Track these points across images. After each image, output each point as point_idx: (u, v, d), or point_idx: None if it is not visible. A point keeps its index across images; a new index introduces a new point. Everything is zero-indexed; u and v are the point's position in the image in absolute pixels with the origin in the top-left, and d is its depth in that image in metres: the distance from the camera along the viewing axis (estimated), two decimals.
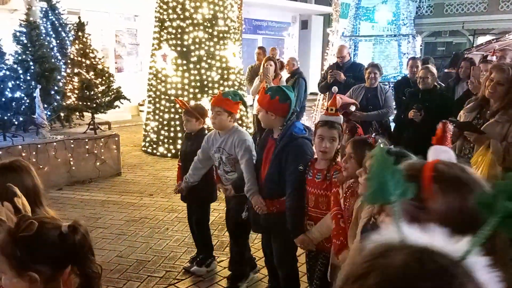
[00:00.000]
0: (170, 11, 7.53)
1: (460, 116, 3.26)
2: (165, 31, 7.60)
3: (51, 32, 7.75)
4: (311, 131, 2.87)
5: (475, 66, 5.26)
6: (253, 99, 6.65)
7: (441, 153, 1.01)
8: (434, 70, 4.71)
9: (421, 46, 10.24)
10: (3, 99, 5.86)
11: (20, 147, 5.62)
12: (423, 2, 18.52)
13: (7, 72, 6.02)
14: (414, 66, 5.67)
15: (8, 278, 1.15)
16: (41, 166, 5.71)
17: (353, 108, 5.03)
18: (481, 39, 15.40)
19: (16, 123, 6.01)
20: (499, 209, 0.58)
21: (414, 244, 0.59)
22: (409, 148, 2.34)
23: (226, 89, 7.66)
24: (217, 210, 4.81)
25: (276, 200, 2.83)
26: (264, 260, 3.26)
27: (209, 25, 7.56)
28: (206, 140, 3.37)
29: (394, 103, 5.21)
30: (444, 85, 5.51)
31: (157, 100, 7.70)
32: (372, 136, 2.37)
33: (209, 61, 7.58)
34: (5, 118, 5.84)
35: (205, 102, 6.85)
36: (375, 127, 4.93)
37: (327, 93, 6.76)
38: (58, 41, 7.85)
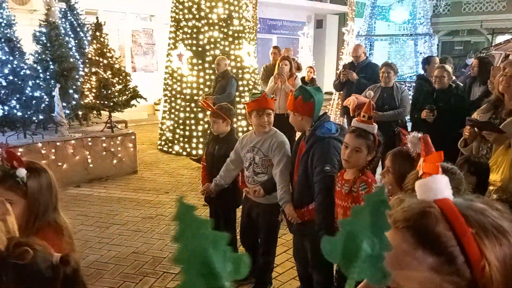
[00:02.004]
0: (185, 11, 7.60)
1: (474, 116, 3.22)
2: (181, 31, 7.67)
3: (70, 32, 7.89)
4: (345, 130, 2.67)
5: (485, 63, 5.20)
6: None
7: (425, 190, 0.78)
8: (449, 69, 4.66)
9: (438, 45, 10.10)
10: (24, 98, 6.00)
11: (39, 144, 5.75)
12: (440, 0, 18.28)
13: (28, 72, 6.16)
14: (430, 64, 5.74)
15: None
16: (59, 164, 5.84)
17: None
18: (499, 38, 15.12)
19: (36, 121, 6.15)
20: None
21: None
22: None
23: (241, 88, 7.70)
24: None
25: (305, 210, 2.74)
26: (296, 264, 3.17)
27: (224, 24, 7.60)
28: (240, 139, 3.26)
29: (410, 102, 5.17)
30: (461, 85, 5.44)
31: (172, 99, 7.78)
32: (413, 151, 2.04)
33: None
34: (26, 116, 5.98)
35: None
36: (395, 129, 4.81)
37: (341, 92, 6.75)
38: (76, 41, 8.00)
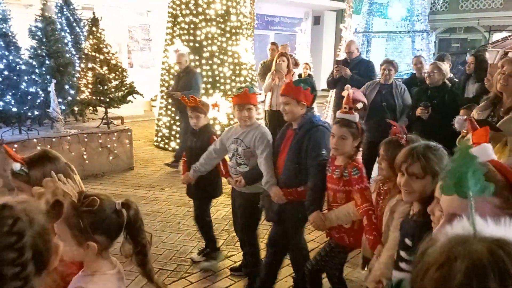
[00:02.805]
0: (183, 6, 7.56)
1: (473, 115, 3.22)
2: (178, 26, 7.63)
3: (66, 27, 7.84)
4: (330, 126, 2.92)
5: (480, 61, 5.23)
6: (265, 96, 6.64)
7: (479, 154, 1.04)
8: (443, 66, 4.66)
9: (435, 42, 10.09)
10: (19, 93, 5.96)
11: (35, 140, 5.71)
12: None
13: (23, 67, 6.12)
14: (418, 63, 5.80)
15: (69, 246, 1.30)
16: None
17: (360, 105, 5.02)
18: (496, 36, 15.15)
19: (31, 117, 6.11)
20: None
21: (490, 236, 0.66)
22: None
23: (238, 85, 7.68)
24: (228, 205, 4.83)
25: (293, 190, 2.89)
26: (267, 252, 3.23)
27: (221, 20, 7.57)
28: (226, 131, 3.41)
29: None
30: (456, 81, 5.47)
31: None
32: (404, 137, 2.26)
33: (221, 56, 7.60)
34: (21, 111, 5.94)
35: (217, 98, 6.88)
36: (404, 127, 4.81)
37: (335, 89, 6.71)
38: (72, 36, 7.95)
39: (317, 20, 16.48)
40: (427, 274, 0.66)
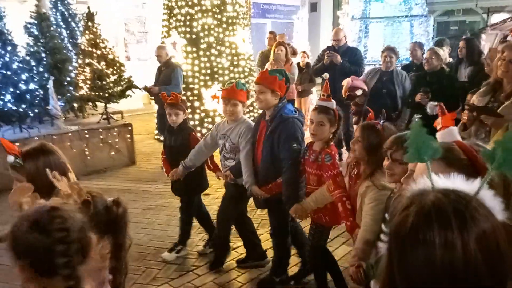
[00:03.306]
0: None
1: (473, 100, 3.22)
2: (174, 18, 7.57)
3: (61, 23, 7.77)
4: (302, 112, 3.14)
5: (472, 45, 5.23)
6: None
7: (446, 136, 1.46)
8: (440, 51, 4.66)
9: (433, 25, 10.02)
10: (18, 92, 5.93)
11: (36, 138, 5.70)
12: None
13: (20, 65, 6.08)
14: (413, 50, 5.84)
15: None
16: None
17: (359, 92, 5.02)
18: (495, 17, 15.02)
19: (31, 115, 6.09)
20: (497, 158, 0.84)
21: (441, 187, 0.83)
22: None
23: (237, 75, 7.65)
24: None
25: (272, 184, 3.02)
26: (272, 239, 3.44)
27: (217, 11, 7.50)
28: (216, 126, 3.45)
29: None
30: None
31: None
32: (381, 123, 2.42)
33: (218, 47, 7.55)
34: (21, 110, 5.92)
35: (216, 89, 6.86)
36: (383, 114, 4.89)
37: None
38: (68, 32, 7.89)
39: (313, 7, 16.32)
40: (393, 220, 0.84)
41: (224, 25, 7.59)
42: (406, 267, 0.79)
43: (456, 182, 0.84)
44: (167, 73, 6.13)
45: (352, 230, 2.51)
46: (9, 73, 5.83)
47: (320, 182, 2.78)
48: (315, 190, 2.81)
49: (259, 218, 4.39)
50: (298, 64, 7.73)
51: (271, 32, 7.94)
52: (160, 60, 6.21)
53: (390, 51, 5.01)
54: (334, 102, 2.77)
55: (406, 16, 10.13)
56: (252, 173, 3.13)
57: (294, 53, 7.41)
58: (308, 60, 8.23)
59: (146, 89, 6.19)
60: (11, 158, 1.83)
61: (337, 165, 2.72)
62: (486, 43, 7.34)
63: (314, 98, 7.81)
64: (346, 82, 5.03)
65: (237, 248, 3.89)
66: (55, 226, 1.04)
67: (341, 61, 5.88)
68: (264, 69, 6.39)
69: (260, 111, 3.29)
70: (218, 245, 3.64)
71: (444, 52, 4.99)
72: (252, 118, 6.20)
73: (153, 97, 6.46)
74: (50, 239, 1.03)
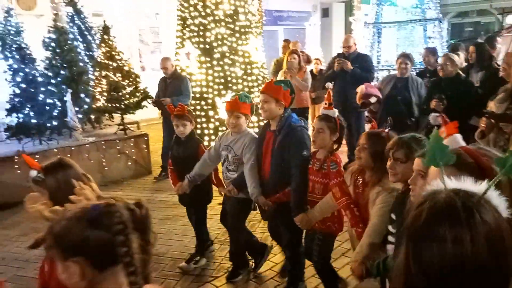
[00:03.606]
0: (191, 8, 7.57)
1: (491, 107, 3.19)
2: (188, 29, 7.66)
3: (78, 36, 7.94)
4: (305, 122, 3.21)
5: (482, 50, 5.18)
6: None
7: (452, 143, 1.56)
8: (455, 57, 4.62)
9: (448, 29, 9.91)
10: (37, 105, 6.08)
11: (55, 150, 5.83)
12: None
13: (39, 78, 6.23)
14: (426, 56, 5.83)
15: None
16: None
17: (373, 100, 5.01)
18: (510, 18, 14.80)
19: (50, 127, 6.22)
20: (508, 164, 0.93)
21: (453, 187, 0.92)
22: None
23: (250, 84, 7.69)
24: None
25: (281, 194, 3.05)
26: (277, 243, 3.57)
27: (230, 20, 7.57)
28: (219, 137, 3.50)
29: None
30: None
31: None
32: (386, 130, 2.50)
33: (232, 57, 7.61)
34: (40, 123, 6.06)
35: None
36: (390, 122, 4.88)
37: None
38: (85, 45, 8.05)
39: (325, 13, 16.33)
40: (408, 216, 0.92)
41: (237, 35, 7.65)
42: (421, 260, 0.85)
43: (466, 184, 0.92)
44: (175, 84, 6.16)
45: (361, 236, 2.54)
46: (28, 87, 5.98)
47: (325, 190, 2.82)
48: (320, 199, 2.85)
49: (262, 231, 4.36)
50: (311, 71, 7.75)
51: (285, 40, 7.98)
52: (167, 72, 6.21)
53: (405, 57, 4.99)
54: (336, 110, 2.86)
55: (420, 20, 10.06)
56: (258, 184, 3.16)
57: (309, 61, 7.42)
58: (322, 67, 8.24)
59: (156, 102, 6.14)
60: (33, 173, 1.92)
61: (342, 173, 2.79)
62: (502, 46, 7.24)
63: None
64: (360, 90, 5.02)
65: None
66: (114, 220, 1.15)
67: (352, 68, 5.88)
68: (277, 78, 6.46)
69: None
70: (236, 258, 3.65)
71: (460, 57, 4.94)
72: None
73: (160, 110, 6.42)
74: (111, 233, 1.14)
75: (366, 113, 5.48)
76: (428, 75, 5.61)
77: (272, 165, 3.07)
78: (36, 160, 2.04)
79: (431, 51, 5.99)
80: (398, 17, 10.59)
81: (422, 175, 1.86)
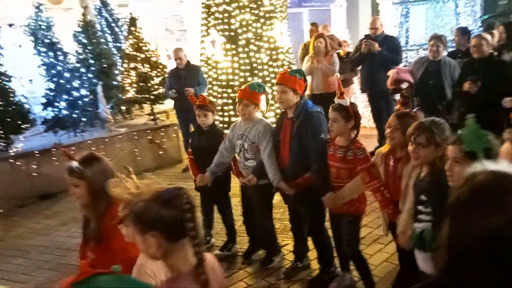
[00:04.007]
0: None
1: None
2: (212, 16, 7.65)
3: (106, 29, 8.08)
4: (320, 108, 3.24)
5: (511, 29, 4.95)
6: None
7: None
8: (489, 37, 4.44)
9: (481, 4, 9.46)
10: (71, 98, 6.28)
11: (89, 141, 6.04)
12: None
13: (72, 73, 6.42)
14: (457, 36, 5.63)
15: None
16: (109, 158, 6.10)
17: (405, 85, 4.90)
18: None
19: (84, 119, 6.43)
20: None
21: (491, 169, 1.04)
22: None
23: (276, 69, 7.65)
24: (277, 194, 4.91)
25: (301, 179, 3.13)
26: (291, 227, 3.59)
27: (255, 6, 7.50)
28: (231, 128, 3.56)
29: None
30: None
31: (209, 86, 7.85)
32: (414, 110, 2.68)
33: (257, 43, 7.56)
34: (74, 115, 6.27)
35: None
36: (417, 102, 4.81)
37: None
38: (112, 37, 8.20)
39: None
40: (453, 194, 1.08)
41: (262, 20, 7.58)
42: (462, 231, 1.00)
43: (502, 165, 1.05)
44: (191, 74, 6.17)
45: (395, 216, 2.65)
46: (62, 81, 6.17)
47: (351, 176, 2.91)
48: (343, 184, 2.93)
49: (280, 222, 4.41)
50: (338, 54, 7.63)
51: (312, 24, 7.85)
52: (181, 62, 6.18)
53: (437, 39, 4.82)
54: (347, 99, 2.94)
55: None
56: (278, 170, 3.24)
57: (340, 44, 7.29)
58: (349, 49, 8.09)
59: (180, 94, 5.93)
60: (74, 164, 2.06)
61: (369, 158, 2.89)
62: None
63: (356, 88, 7.69)
64: (391, 74, 4.92)
65: (286, 246, 3.96)
66: (183, 201, 1.36)
67: (379, 49, 5.76)
68: (308, 63, 6.43)
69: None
70: (267, 244, 3.74)
71: (494, 36, 4.75)
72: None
73: (177, 102, 6.25)
74: (181, 211, 1.35)
75: (397, 97, 5.37)
76: (459, 55, 5.43)
77: (291, 151, 3.15)
78: (72, 152, 2.18)
79: (462, 31, 5.77)
80: None
81: (458, 161, 1.93)
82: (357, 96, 8.03)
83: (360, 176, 2.85)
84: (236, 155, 3.55)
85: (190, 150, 3.96)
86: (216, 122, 7.66)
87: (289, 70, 3.24)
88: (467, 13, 9.43)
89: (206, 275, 1.38)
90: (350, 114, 2.88)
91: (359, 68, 6.63)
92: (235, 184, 3.95)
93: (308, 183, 3.11)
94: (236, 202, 4.12)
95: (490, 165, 1.05)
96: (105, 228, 2.05)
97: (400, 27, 9.49)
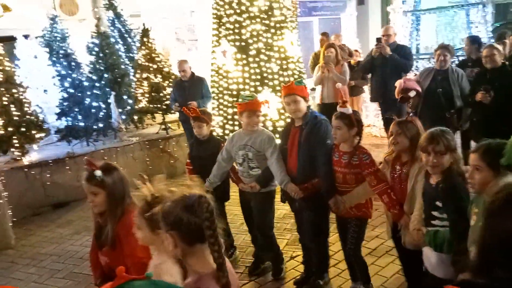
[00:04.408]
0: (226, 6, 7.63)
1: None
2: (223, 27, 7.73)
3: (119, 39, 8.21)
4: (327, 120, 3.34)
5: None
6: (315, 89, 6.62)
7: None
8: (499, 47, 4.43)
9: (492, 13, 9.40)
10: (84, 108, 6.38)
11: (102, 151, 6.12)
12: None
13: (85, 83, 6.53)
14: (467, 45, 5.59)
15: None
16: (121, 168, 6.18)
17: (412, 94, 4.89)
18: None
19: (96, 129, 6.53)
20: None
21: None
22: (479, 133, 2.87)
23: (286, 79, 7.68)
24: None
25: (309, 184, 3.20)
26: (301, 237, 3.63)
27: (265, 16, 7.56)
28: (230, 139, 3.60)
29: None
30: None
31: (220, 95, 7.89)
32: (410, 116, 2.85)
33: (267, 53, 7.60)
34: (87, 125, 6.36)
35: (266, 94, 6.96)
36: (410, 112, 4.81)
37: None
38: (125, 47, 8.32)
39: (361, 0, 15.93)
40: (488, 201, 1.23)
41: (272, 30, 7.63)
42: (496, 233, 1.15)
43: None
44: (196, 86, 6.24)
45: (400, 217, 2.78)
46: (76, 91, 6.28)
47: (357, 180, 3.01)
48: (350, 189, 3.03)
49: (291, 233, 4.43)
50: (349, 63, 7.64)
51: (323, 34, 7.88)
52: (185, 74, 6.23)
53: (444, 49, 4.82)
54: (349, 108, 3.04)
55: (462, 6, 9.61)
56: (286, 172, 3.30)
57: (350, 54, 7.31)
58: (360, 58, 8.10)
59: (181, 107, 5.85)
60: (98, 173, 2.16)
61: (375, 162, 2.98)
62: None
63: (367, 97, 7.68)
64: (398, 84, 4.92)
65: (297, 257, 3.95)
66: (204, 209, 1.42)
67: (390, 53, 5.76)
68: (319, 73, 6.47)
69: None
70: (273, 256, 3.75)
71: (506, 46, 4.72)
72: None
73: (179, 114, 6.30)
74: (199, 218, 1.42)
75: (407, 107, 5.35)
76: (470, 64, 5.40)
77: (299, 157, 3.22)
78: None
79: (473, 40, 5.74)
80: (438, 3, 10.18)
81: (478, 169, 2.04)
82: (367, 105, 8.02)
83: (367, 180, 2.95)
84: (236, 165, 3.60)
85: (188, 161, 4.03)
86: (226, 132, 7.80)
87: (294, 81, 3.34)
88: (478, 22, 9.38)
89: (227, 278, 1.44)
90: (353, 121, 2.98)
91: (370, 76, 6.64)
92: (234, 193, 4.01)
93: (315, 188, 3.19)
94: (237, 212, 4.13)
95: None
96: (120, 233, 2.16)
97: (410, 36, 9.48)
